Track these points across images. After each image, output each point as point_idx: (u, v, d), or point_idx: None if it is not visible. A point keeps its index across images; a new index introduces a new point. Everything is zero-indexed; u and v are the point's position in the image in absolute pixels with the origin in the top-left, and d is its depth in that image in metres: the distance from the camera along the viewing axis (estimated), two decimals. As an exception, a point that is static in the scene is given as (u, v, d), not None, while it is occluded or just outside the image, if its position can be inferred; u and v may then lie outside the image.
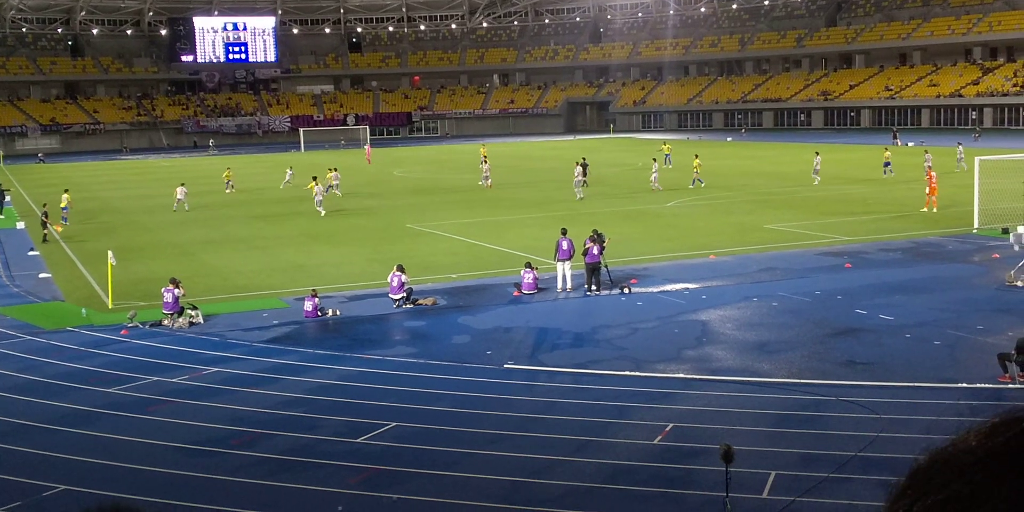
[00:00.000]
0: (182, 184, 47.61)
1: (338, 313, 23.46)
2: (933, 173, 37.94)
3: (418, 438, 14.94)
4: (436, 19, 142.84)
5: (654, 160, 51.43)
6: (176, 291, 23.02)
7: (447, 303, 24.44)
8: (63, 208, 42.02)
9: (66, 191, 44.17)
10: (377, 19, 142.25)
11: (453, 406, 16.41)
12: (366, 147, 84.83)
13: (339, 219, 41.64)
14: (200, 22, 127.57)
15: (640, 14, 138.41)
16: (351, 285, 26.90)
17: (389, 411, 16.20)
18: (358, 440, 14.92)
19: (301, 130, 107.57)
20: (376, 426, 15.43)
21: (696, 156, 51.46)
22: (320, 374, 18.66)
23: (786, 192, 46.06)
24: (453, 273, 28.20)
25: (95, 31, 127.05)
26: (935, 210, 36.55)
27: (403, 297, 23.96)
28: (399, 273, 24.07)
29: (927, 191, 37.44)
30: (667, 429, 14.83)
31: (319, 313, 23.16)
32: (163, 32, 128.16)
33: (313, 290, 23.89)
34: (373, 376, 18.29)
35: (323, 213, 42.56)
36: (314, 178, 45.65)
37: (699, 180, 48.71)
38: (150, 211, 46.74)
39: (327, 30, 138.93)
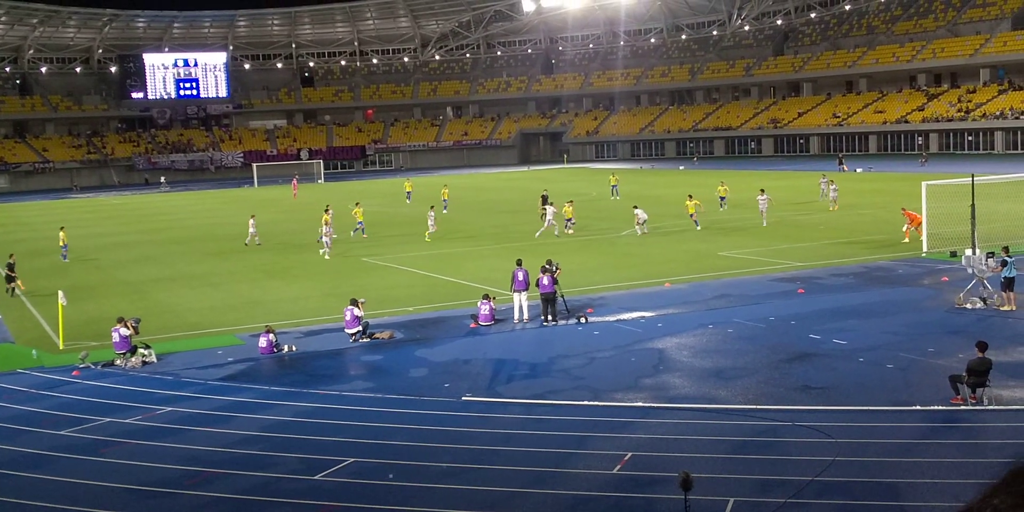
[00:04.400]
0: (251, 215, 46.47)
1: (294, 349, 23.28)
2: (911, 212, 37.24)
3: (376, 473, 14.82)
4: (388, 53, 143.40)
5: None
6: (124, 330, 22.71)
7: (404, 336, 24.35)
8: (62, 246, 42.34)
9: (62, 228, 44.03)
10: (329, 53, 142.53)
11: (411, 440, 16.31)
12: (293, 181, 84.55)
13: (293, 254, 41.41)
14: (150, 59, 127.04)
15: (591, 45, 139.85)
16: (307, 320, 26.73)
17: (347, 447, 16.07)
18: (316, 477, 14.77)
19: (254, 165, 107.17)
20: (333, 462, 15.29)
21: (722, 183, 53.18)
22: (276, 411, 18.47)
23: (738, 219, 46.50)
24: (410, 306, 28.12)
25: (43, 69, 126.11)
26: (907, 239, 36.37)
27: (359, 331, 23.84)
28: (353, 307, 23.96)
29: (908, 224, 37.12)
30: (626, 458, 14.82)
31: (275, 349, 22.97)
32: (113, 69, 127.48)
33: (268, 326, 23.71)
34: (330, 412, 18.14)
35: (327, 256, 39.50)
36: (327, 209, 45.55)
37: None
38: (102, 249, 46.21)
39: (279, 65, 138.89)
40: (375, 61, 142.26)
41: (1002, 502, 1.01)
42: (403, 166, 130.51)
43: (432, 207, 47.02)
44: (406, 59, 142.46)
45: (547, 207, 45.52)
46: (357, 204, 48.22)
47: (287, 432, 17.11)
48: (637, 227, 42.24)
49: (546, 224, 43.73)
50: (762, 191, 44.46)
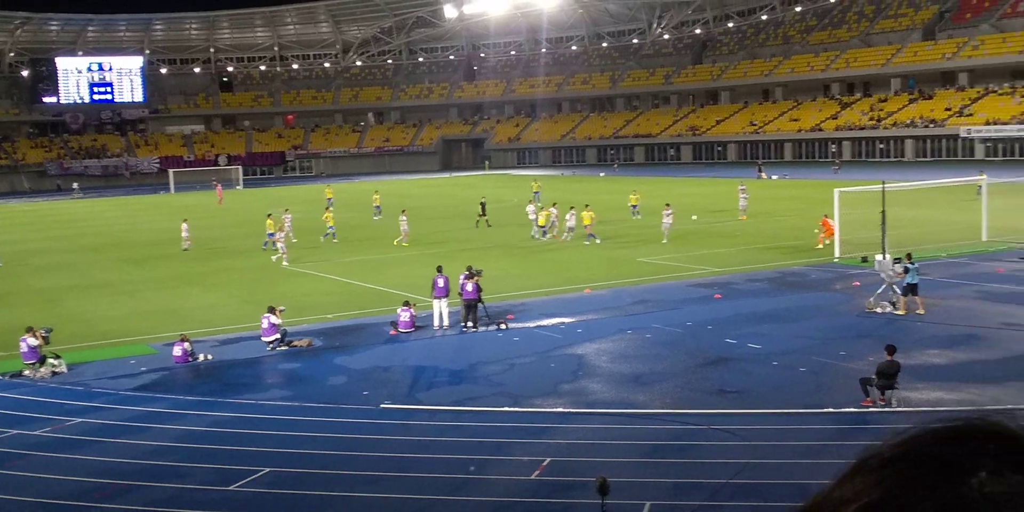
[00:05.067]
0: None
1: (210, 357, 22.93)
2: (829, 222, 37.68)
3: (292, 483, 14.66)
4: (309, 58, 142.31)
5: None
6: (32, 340, 22.15)
7: (323, 344, 24.14)
8: None
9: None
10: (248, 58, 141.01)
11: (329, 449, 16.17)
12: (217, 187, 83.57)
13: (212, 261, 40.81)
14: (64, 63, 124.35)
15: (513, 52, 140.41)
16: (224, 328, 26.34)
17: (262, 456, 15.86)
18: (230, 488, 14.56)
19: (171, 171, 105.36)
20: (249, 473, 15.09)
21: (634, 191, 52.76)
22: (190, 421, 18.17)
23: (658, 225, 46.95)
24: (329, 313, 27.89)
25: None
26: (821, 246, 36.93)
27: (277, 339, 23.57)
28: (270, 315, 23.68)
29: (823, 230, 37.66)
30: (545, 464, 14.87)
31: (189, 358, 22.59)
32: (25, 73, 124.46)
33: (183, 334, 23.32)
34: (246, 421, 17.90)
35: (286, 263, 38.46)
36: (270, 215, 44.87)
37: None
38: (12, 257, 45.00)
39: (197, 69, 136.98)
40: (296, 66, 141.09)
41: (846, 492, 1.03)
42: (324, 172, 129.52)
43: (404, 211, 46.54)
44: (327, 64, 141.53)
45: (550, 210, 44.93)
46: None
47: (201, 442, 16.84)
48: (566, 233, 42.65)
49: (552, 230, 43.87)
50: (667, 205, 41.89)
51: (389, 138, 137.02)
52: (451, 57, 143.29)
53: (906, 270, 24.25)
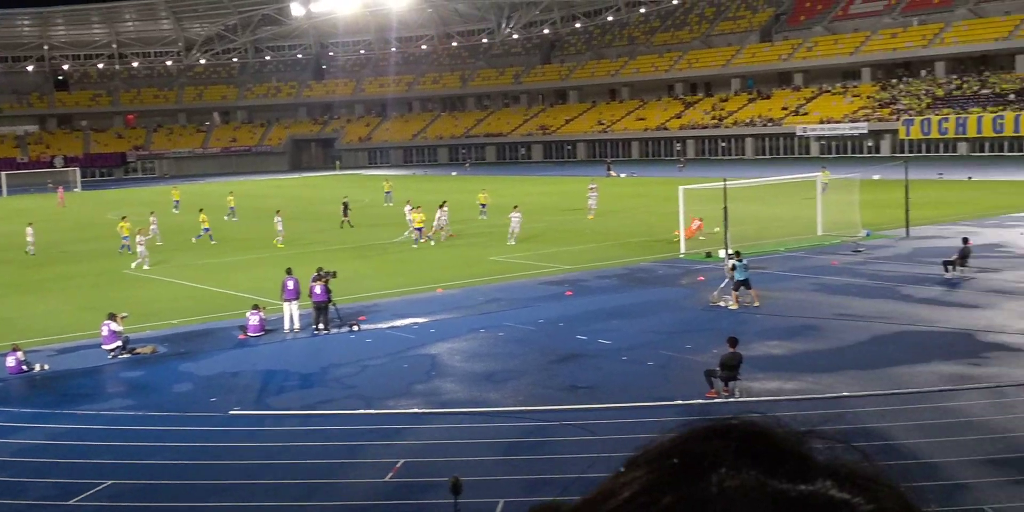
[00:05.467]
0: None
1: (46, 368, 21.98)
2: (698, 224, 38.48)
3: (137, 495, 14.19)
4: (150, 56, 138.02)
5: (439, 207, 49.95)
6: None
7: (168, 351, 23.44)
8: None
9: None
10: (85, 56, 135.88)
11: (175, 458, 15.71)
12: (59, 189, 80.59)
13: (50, 267, 39.15)
14: None
15: (362, 51, 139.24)
16: (61, 337, 25.29)
17: (105, 469, 15.30)
18: (70, 502, 13.99)
19: (3, 173, 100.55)
20: (90, 486, 14.53)
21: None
22: (27, 434, 17.39)
23: (506, 224, 47.29)
24: (175, 319, 27.10)
25: None
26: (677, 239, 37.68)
27: (118, 347, 22.76)
28: (110, 322, 22.85)
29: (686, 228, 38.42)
30: (398, 465, 14.79)
31: (24, 369, 21.60)
32: None
33: (14, 344, 22.27)
34: (86, 433, 17.23)
35: (147, 267, 37.21)
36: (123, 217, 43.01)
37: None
38: None
39: (30, 68, 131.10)
40: (136, 64, 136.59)
41: (614, 486, 1.07)
42: (167, 173, 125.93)
43: (278, 211, 45.39)
44: (169, 63, 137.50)
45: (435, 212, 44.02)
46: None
47: (39, 456, 16.14)
48: (442, 231, 42.54)
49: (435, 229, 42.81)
50: (515, 207, 41.41)
51: (236, 138, 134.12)
52: (299, 56, 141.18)
53: (734, 267, 25.05)
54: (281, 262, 32.53)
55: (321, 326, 24.76)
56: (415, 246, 40.51)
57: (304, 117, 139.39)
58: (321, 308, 24.81)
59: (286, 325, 25.03)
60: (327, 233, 46.85)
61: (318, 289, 24.77)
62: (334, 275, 25.90)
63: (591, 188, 50.43)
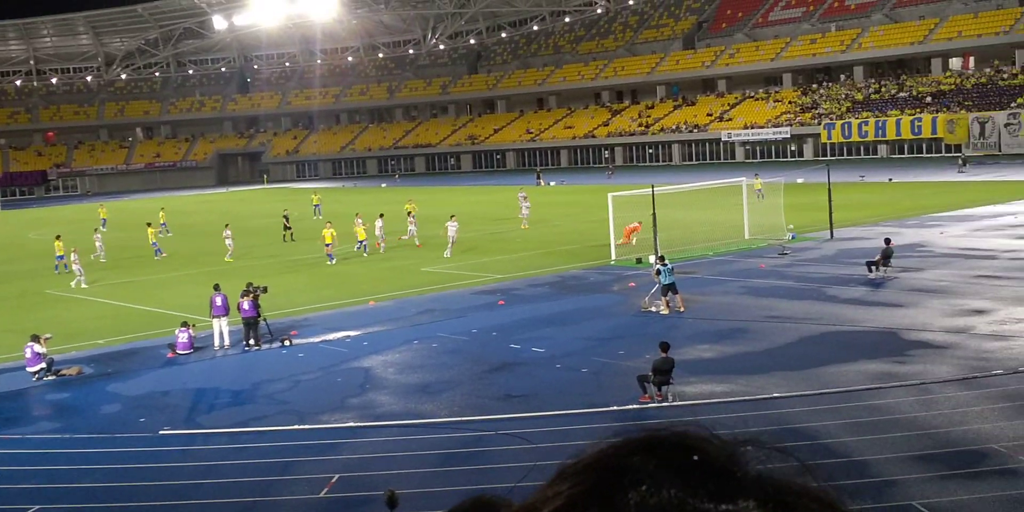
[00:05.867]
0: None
1: (-31, 392, 21.42)
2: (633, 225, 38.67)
3: (65, 520, 13.88)
4: (69, 71, 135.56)
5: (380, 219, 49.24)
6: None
7: (94, 371, 22.98)
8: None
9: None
10: (2, 73, 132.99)
11: (105, 481, 15.40)
12: None
13: (-32, 289, 38.17)
14: None
15: (287, 63, 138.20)
16: (-17, 360, 24.65)
17: (31, 494, 14.94)
18: (-5, 530, 13.64)
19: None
20: (19, 511, 14.18)
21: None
22: (-51, 462, 16.91)
23: (441, 235, 47.26)
24: (101, 338, 26.60)
25: None
26: (622, 243, 37.92)
27: (42, 369, 22.26)
28: (33, 343, 22.34)
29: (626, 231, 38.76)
30: (333, 480, 14.66)
31: (-54, 394, 21.03)
32: None
33: (-63, 369, 21.69)
34: (11, 457, 16.82)
35: (85, 286, 36.48)
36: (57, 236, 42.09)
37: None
38: None
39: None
40: (54, 81, 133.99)
41: (542, 497, 1.06)
42: (90, 191, 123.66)
43: (227, 225, 44.83)
44: (89, 78, 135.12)
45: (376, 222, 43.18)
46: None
47: (-38, 484, 15.69)
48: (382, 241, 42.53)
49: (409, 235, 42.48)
50: (452, 216, 41.33)
51: (160, 153, 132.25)
52: (223, 69, 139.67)
53: (658, 272, 25.29)
54: (211, 278, 32.12)
55: (252, 342, 24.48)
56: (366, 255, 40.63)
57: (230, 131, 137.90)
58: (250, 324, 24.54)
59: (216, 342, 24.70)
60: (273, 247, 46.40)
61: (246, 305, 24.49)
62: (264, 290, 25.63)
63: (522, 197, 50.42)
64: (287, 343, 24.55)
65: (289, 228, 48.95)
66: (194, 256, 44.62)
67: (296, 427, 17.61)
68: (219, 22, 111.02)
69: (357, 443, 16.61)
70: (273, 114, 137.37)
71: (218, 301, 24.76)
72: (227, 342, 24.70)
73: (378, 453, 15.98)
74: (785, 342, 21.40)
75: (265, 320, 25.01)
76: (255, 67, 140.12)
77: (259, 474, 15.34)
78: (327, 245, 39.66)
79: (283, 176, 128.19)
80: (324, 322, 27.24)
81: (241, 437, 17.35)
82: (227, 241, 42.79)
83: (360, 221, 42.93)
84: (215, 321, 24.75)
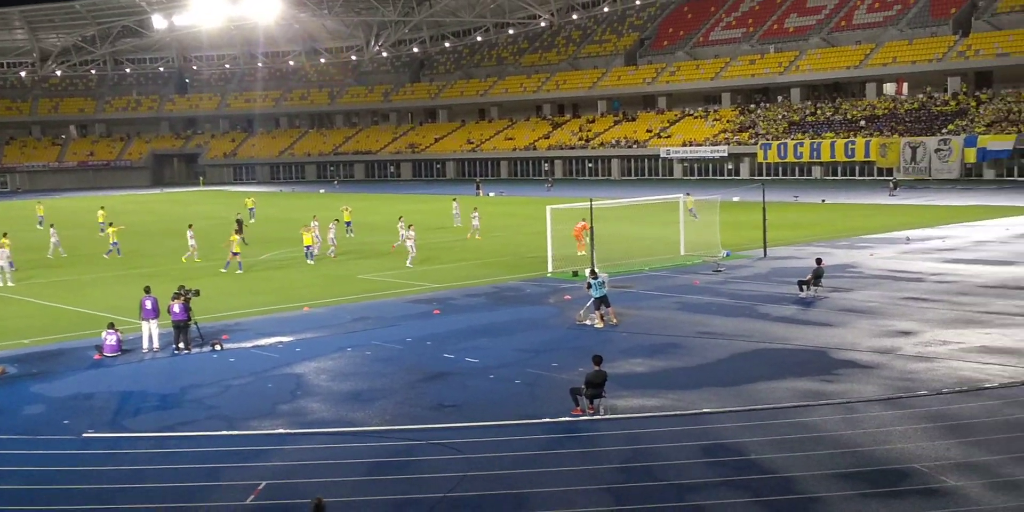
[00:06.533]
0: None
1: None
2: (582, 223, 38.79)
3: (-18, 524, 13.54)
4: (3, 67, 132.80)
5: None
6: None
7: (17, 371, 22.48)
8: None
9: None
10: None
11: (25, 483, 15.06)
12: None
13: None
14: None
15: (227, 65, 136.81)
16: (-98, 358, 24.00)
17: (-53, 497, 14.55)
18: (-92, 533, 13.27)
19: None
20: (-69, 515, 13.81)
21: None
22: None
23: (377, 242, 47.13)
24: (25, 338, 26.05)
25: None
26: (578, 247, 38.19)
27: (-35, 368, 21.73)
28: (-42, 342, 21.82)
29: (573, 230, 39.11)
30: (260, 487, 14.50)
31: None
32: None
33: None
34: (-72, 459, 16.37)
35: (11, 284, 36.07)
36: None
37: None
38: None
39: None
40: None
41: None
42: (20, 188, 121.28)
43: (191, 226, 44.20)
44: (23, 74, 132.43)
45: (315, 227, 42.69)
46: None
47: None
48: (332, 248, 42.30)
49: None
50: (409, 227, 40.71)
51: (94, 152, 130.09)
52: (161, 69, 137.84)
53: (590, 285, 25.45)
54: (143, 280, 31.64)
55: (181, 345, 24.15)
56: (310, 262, 40.13)
57: (166, 131, 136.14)
58: (180, 327, 24.21)
59: (144, 344, 24.33)
60: (212, 250, 45.66)
61: (177, 308, 24.17)
62: (196, 293, 25.31)
63: (473, 213, 50.39)
64: (218, 347, 24.25)
65: (241, 232, 48.41)
66: (128, 257, 43.93)
67: (224, 433, 17.39)
68: (158, 21, 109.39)
69: (286, 450, 16.45)
70: (211, 116, 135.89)
71: (148, 304, 24.38)
72: (156, 345, 24.34)
73: (307, 460, 15.84)
74: (717, 358, 21.64)
75: (196, 324, 24.70)
76: (194, 68, 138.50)
77: (184, 479, 15.12)
78: (307, 247, 40.46)
79: (220, 178, 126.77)
80: (257, 327, 26.97)
81: (167, 441, 17.09)
82: (191, 241, 42.55)
83: (315, 225, 42.95)
84: (145, 323, 24.38)
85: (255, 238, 48.71)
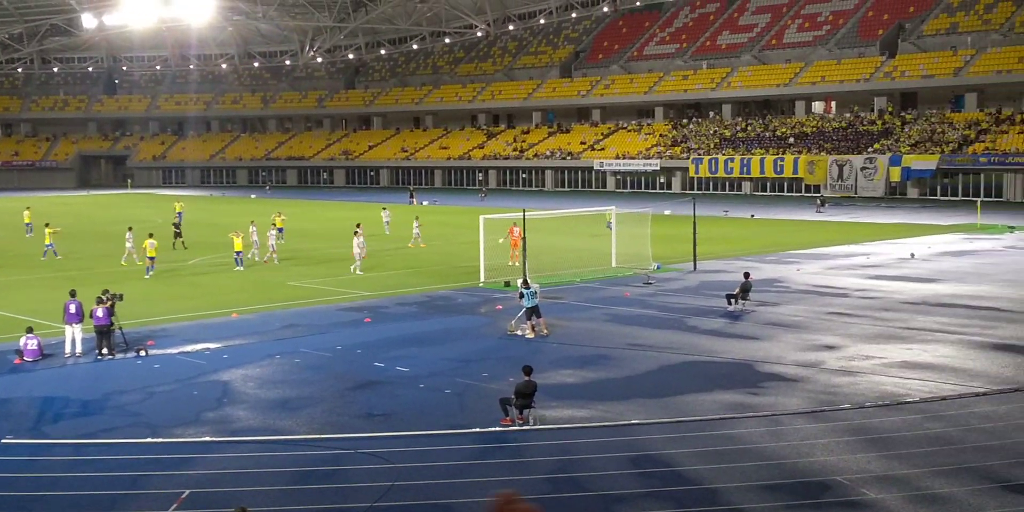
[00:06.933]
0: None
1: None
2: (516, 229, 38.77)
3: None
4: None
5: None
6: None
7: (-66, 376, 21.89)
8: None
9: None
10: None
11: (-62, 492, 14.65)
12: None
13: None
14: None
15: (159, 67, 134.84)
16: None
17: None
18: None
19: None
20: None
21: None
22: None
23: (309, 249, 46.77)
24: (-58, 342, 25.36)
25: None
26: (517, 263, 38.01)
27: None
28: None
29: (507, 236, 39.14)
30: (183, 496, 14.28)
31: None
32: None
33: None
34: None
35: None
36: None
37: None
38: None
39: None
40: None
41: None
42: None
43: (130, 228, 43.28)
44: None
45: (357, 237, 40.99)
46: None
47: None
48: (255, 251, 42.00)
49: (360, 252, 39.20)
50: (356, 232, 39.53)
51: (18, 152, 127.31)
52: (89, 69, 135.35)
53: (522, 295, 25.55)
54: (68, 283, 31.01)
55: (105, 351, 23.72)
56: (240, 268, 39.61)
57: (94, 132, 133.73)
58: (103, 332, 23.77)
59: (67, 349, 23.84)
60: (110, 257, 44.89)
61: (100, 312, 23.74)
62: (120, 298, 24.88)
63: (384, 213, 50.41)
64: (143, 353, 23.86)
65: (180, 235, 47.74)
66: (52, 259, 42.99)
67: (148, 440, 17.11)
68: (88, 20, 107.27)
69: (211, 458, 16.23)
70: (141, 118, 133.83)
71: (72, 308, 23.91)
72: (79, 350, 23.86)
73: (232, 469, 15.64)
74: (646, 370, 21.82)
75: (120, 329, 24.28)
76: (124, 68, 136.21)
77: (106, 487, 14.84)
78: (237, 253, 39.76)
79: (148, 182, 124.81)
80: (183, 333, 26.58)
81: (89, 448, 16.77)
82: (128, 244, 41.96)
83: (254, 230, 42.59)
84: (68, 328, 23.89)
85: (187, 241, 47.98)
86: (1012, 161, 72.47)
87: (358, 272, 37.77)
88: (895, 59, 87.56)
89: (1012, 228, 52.05)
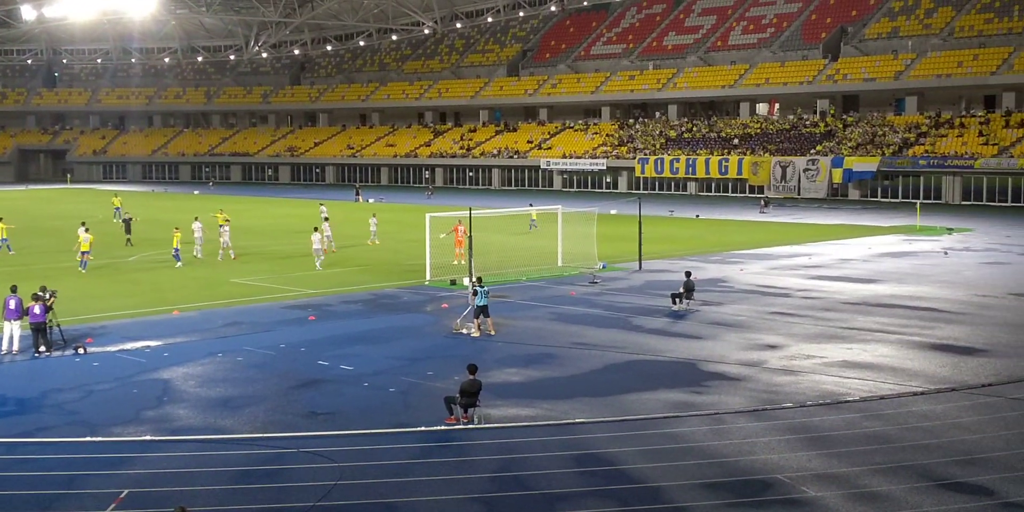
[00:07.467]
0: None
1: None
2: (460, 227, 38.65)
3: None
4: None
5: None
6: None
7: None
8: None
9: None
10: None
11: None
12: None
13: None
14: None
15: (100, 60, 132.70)
16: None
17: None
18: None
19: None
20: None
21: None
22: None
23: (253, 246, 46.32)
24: None
25: None
26: (462, 262, 37.87)
27: None
28: None
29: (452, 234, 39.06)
30: (122, 496, 14.07)
31: None
32: None
33: None
34: None
35: None
36: None
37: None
38: None
39: None
40: None
41: None
42: None
43: (83, 223, 42.39)
44: None
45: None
46: None
47: None
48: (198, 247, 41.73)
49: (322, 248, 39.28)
50: (316, 228, 40.19)
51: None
52: (29, 61, 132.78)
53: (475, 293, 25.55)
54: (6, 279, 30.39)
55: (43, 348, 23.29)
56: (179, 264, 39.02)
57: (33, 126, 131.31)
58: (40, 329, 23.36)
59: (3, 346, 23.39)
60: (46, 253, 44.20)
61: (37, 309, 23.33)
62: (54, 295, 24.45)
63: (323, 210, 50.18)
64: (81, 351, 23.47)
65: (130, 233, 47.07)
66: (4, 254, 42.19)
67: (86, 439, 16.83)
68: (27, 12, 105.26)
69: (150, 458, 16.00)
70: (81, 111, 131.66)
71: (11, 304, 23.45)
72: (16, 347, 23.41)
73: (172, 468, 15.44)
74: (590, 369, 21.89)
75: (58, 326, 23.88)
76: (64, 61, 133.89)
77: (42, 487, 14.57)
78: (175, 249, 39.31)
79: (88, 176, 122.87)
80: (123, 330, 26.20)
81: (24, 447, 16.46)
82: (196, 234, 42.07)
83: (198, 227, 42.11)
84: (7, 325, 23.45)
85: (121, 239, 47.29)
86: (951, 164, 73.77)
87: (318, 267, 37.59)
88: (837, 62, 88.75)
89: (951, 230, 52.99)
